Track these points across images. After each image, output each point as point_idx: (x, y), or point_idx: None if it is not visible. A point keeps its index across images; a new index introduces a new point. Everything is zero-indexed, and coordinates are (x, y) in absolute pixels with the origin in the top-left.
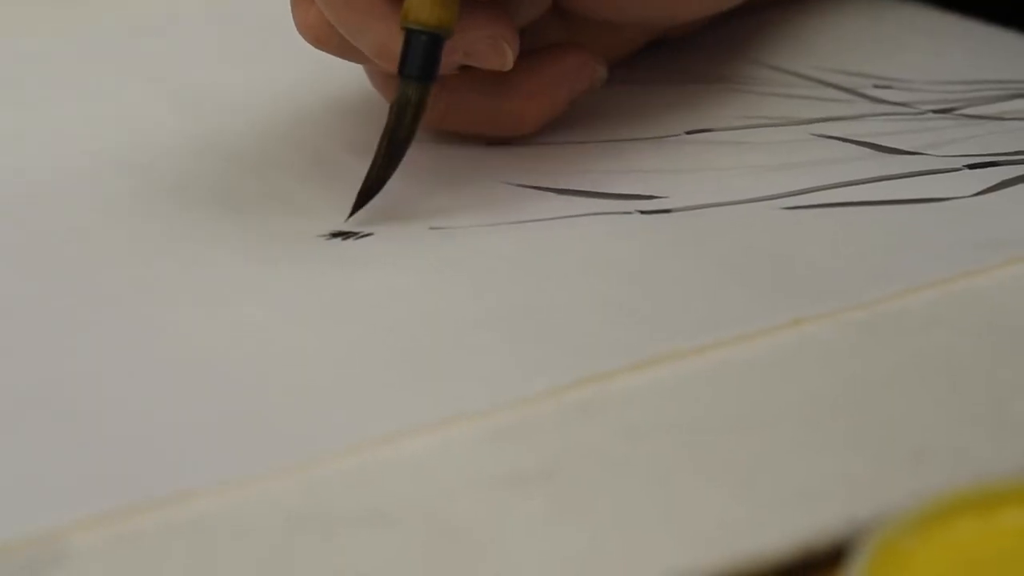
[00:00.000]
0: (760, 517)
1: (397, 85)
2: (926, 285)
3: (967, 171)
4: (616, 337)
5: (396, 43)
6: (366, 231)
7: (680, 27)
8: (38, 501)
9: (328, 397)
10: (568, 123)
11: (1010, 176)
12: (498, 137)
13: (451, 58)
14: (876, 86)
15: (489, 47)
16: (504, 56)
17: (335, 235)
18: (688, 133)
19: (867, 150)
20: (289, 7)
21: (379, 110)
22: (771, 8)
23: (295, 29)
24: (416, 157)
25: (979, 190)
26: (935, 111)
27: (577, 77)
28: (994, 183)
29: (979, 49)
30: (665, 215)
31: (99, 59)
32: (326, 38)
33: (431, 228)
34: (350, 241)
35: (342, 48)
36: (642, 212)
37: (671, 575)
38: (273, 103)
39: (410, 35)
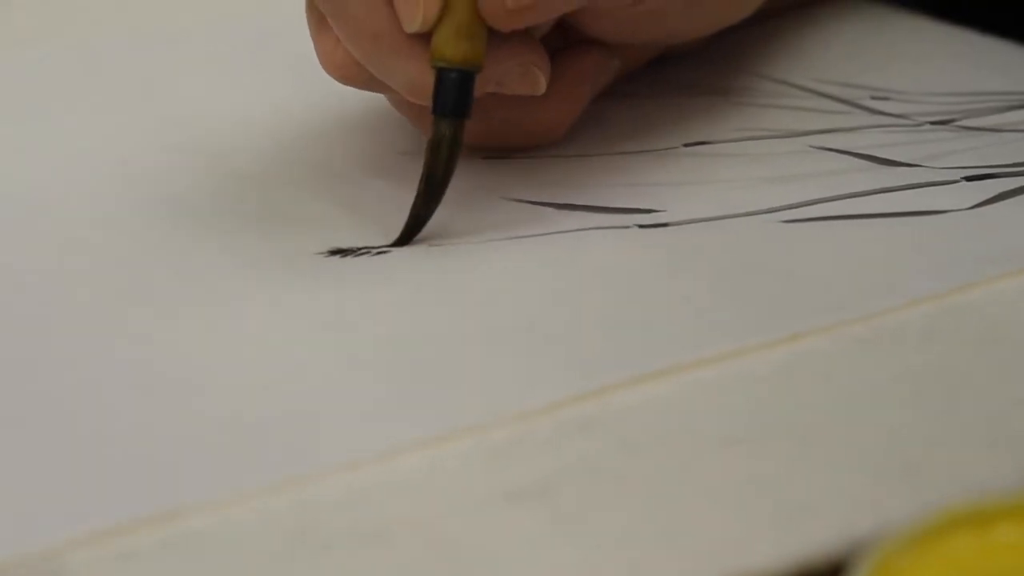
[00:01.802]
0: (757, 533)
1: (427, 115)
2: (924, 299)
3: (965, 183)
4: (613, 352)
5: (427, 79)
6: (365, 248)
7: (684, 45)
8: (34, 519)
9: (325, 413)
10: (567, 136)
11: (1008, 188)
12: (526, 147)
13: (484, 88)
14: (874, 97)
15: (521, 75)
16: (537, 82)
17: (334, 252)
18: (686, 146)
19: (865, 162)
20: (305, 30)
21: (383, 126)
22: (770, 20)
23: (317, 61)
24: (417, 171)
25: (977, 202)
26: (933, 123)
27: (596, 75)
28: (992, 195)
29: (977, 61)
30: (663, 229)
31: (100, 71)
32: (354, 75)
33: (430, 244)
34: (349, 258)
35: (370, 83)
36: (640, 226)
37: None
38: (274, 118)
39: (441, 73)
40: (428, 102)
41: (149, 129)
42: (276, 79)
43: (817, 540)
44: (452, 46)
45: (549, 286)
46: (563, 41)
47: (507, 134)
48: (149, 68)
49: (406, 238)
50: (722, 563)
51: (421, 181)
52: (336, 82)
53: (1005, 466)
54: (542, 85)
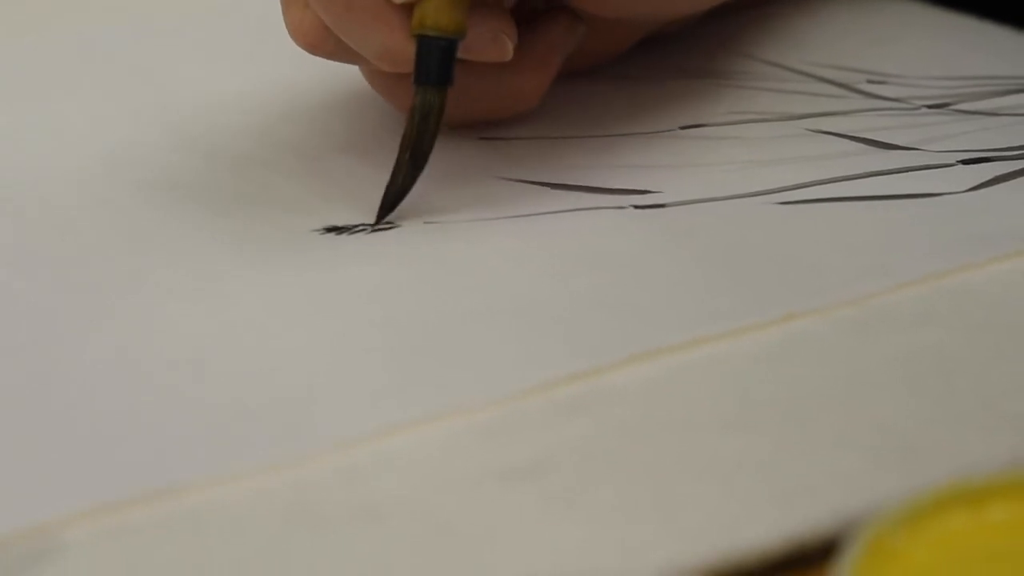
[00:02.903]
0: (750, 513)
1: (401, 86)
2: (918, 280)
3: (960, 166)
4: (608, 332)
5: (404, 48)
6: (360, 225)
7: (676, 23)
8: (30, 495)
9: (320, 392)
10: (562, 117)
11: (1003, 171)
12: (501, 118)
13: None
14: (870, 81)
15: (490, 42)
16: (504, 49)
17: (329, 230)
18: (682, 128)
19: (861, 145)
20: (280, 9)
21: (371, 107)
22: (766, 4)
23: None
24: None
25: (972, 185)
26: (929, 106)
27: (565, 41)
28: (987, 178)
29: (973, 44)
30: (659, 210)
31: (91, 58)
32: (321, 43)
33: (425, 223)
34: (344, 236)
35: (338, 52)
36: (636, 207)
37: (661, 570)
38: (266, 101)
39: (426, 42)
40: (403, 70)
41: (141, 114)
42: (269, 63)
43: (811, 519)
44: (442, 15)
45: (544, 266)
46: (529, 12)
47: (481, 106)
48: (140, 54)
49: (387, 209)
50: (716, 542)
51: (402, 151)
52: (327, 65)
53: (999, 447)
54: (509, 51)
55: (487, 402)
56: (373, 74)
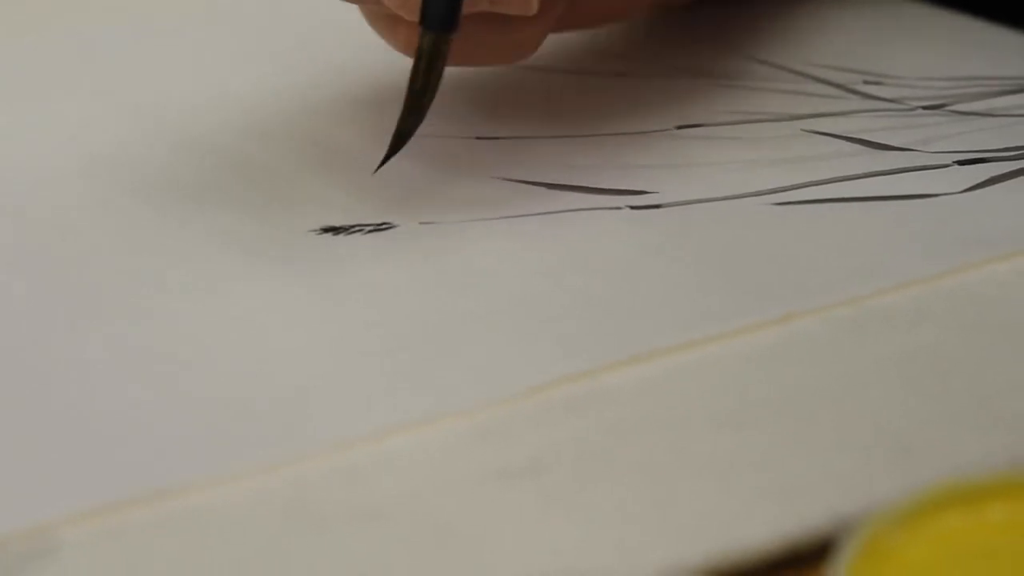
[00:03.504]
0: (747, 512)
1: (401, 28)
2: (915, 281)
3: (957, 167)
4: (605, 333)
5: None
6: (357, 226)
7: None
8: (28, 495)
9: (318, 392)
10: (559, 116)
11: (999, 172)
12: (498, 64)
13: (476, 6)
14: (866, 82)
15: None
16: (529, 3)
17: (326, 230)
18: (679, 128)
19: (857, 146)
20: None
21: (368, 107)
22: (763, 3)
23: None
24: (405, 151)
25: (968, 186)
26: (925, 107)
27: None
28: (983, 179)
29: (969, 45)
30: (655, 210)
31: (90, 57)
32: None
33: (421, 223)
34: (340, 236)
35: None
36: (632, 207)
37: (658, 570)
38: (265, 101)
39: None
40: (416, 16)
41: (139, 114)
42: (267, 63)
43: (807, 518)
44: None
45: (540, 266)
46: None
47: (479, 52)
48: (139, 54)
49: (390, 153)
50: (712, 541)
51: (410, 94)
52: (322, 66)
53: (995, 446)
54: (534, 5)
55: (485, 402)
56: (373, 14)
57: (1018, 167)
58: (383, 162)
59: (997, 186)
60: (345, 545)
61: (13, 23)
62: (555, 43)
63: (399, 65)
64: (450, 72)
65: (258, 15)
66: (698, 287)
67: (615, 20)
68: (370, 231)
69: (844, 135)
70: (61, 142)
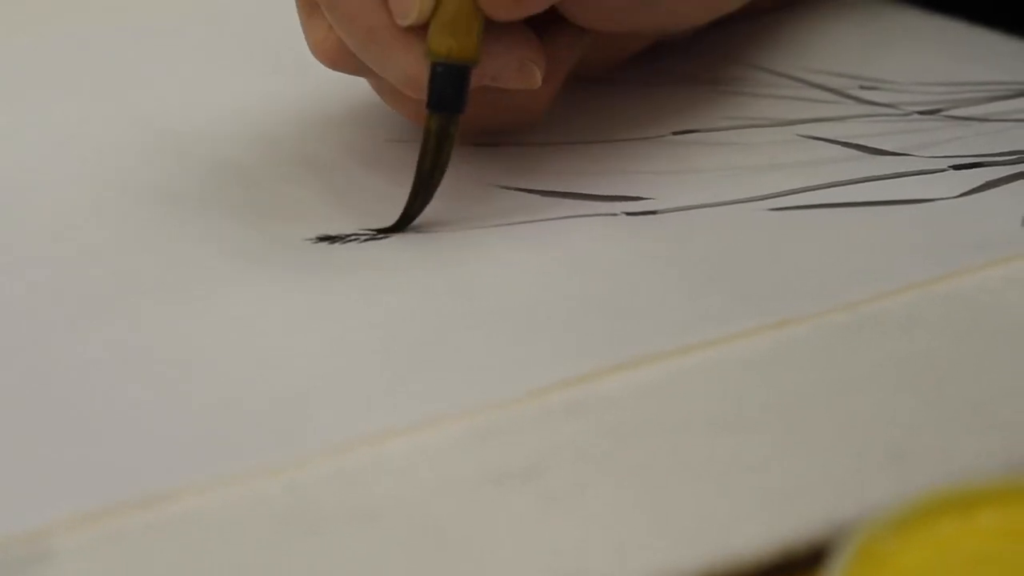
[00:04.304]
0: (743, 517)
1: (422, 108)
2: (910, 286)
3: (952, 172)
4: (601, 338)
5: (422, 72)
6: (353, 235)
7: (677, 34)
8: (23, 500)
9: (314, 397)
10: (555, 123)
11: (995, 177)
12: (505, 131)
13: (480, 82)
14: (862, 87)
15: (517, 71)
16: (533, 77)
17: (322, 238)
18: (674, 134)
19: (853, 151)
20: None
21: (367, 116)
22: (762, 13)
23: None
24: (402, 159)
25: (964, 191)
26: (920, 112)
27: (569, 55)
28: (978, 184)
29: (965, 51)
30: (651, 216)
31: (88, 60)
32: (345, 63)
33: (418, 231)
34: (337, 244)
35: (361, 70)
36: (628, 214)
37: (654, 574)
38: (261, 108)
39: (436, 68)
40: (423, 95)
41: (137, 118)
42: (266, 71)
43: (802, 524)
44: (446, 40)
45: (537, 273)
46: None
47: (487, 119)
48: (137, 58)
49: (397, 230)
50: (706, 547)
51: (420, 172)
52: (322, 73)
53: (989, 452)
54: (538, 79)
55: (482, 406)
56: (395, 96)
57: (1013, 172)
58: (391, 231)
59: (993, 191)
60: (343, 548)
61: (13, 23)
62: None
63: None
64: None
65: (257, 18)
66: (694, 292)
67: (613, 66)
68: (367, 239)
69: (840, 140)
70: (58, 146)
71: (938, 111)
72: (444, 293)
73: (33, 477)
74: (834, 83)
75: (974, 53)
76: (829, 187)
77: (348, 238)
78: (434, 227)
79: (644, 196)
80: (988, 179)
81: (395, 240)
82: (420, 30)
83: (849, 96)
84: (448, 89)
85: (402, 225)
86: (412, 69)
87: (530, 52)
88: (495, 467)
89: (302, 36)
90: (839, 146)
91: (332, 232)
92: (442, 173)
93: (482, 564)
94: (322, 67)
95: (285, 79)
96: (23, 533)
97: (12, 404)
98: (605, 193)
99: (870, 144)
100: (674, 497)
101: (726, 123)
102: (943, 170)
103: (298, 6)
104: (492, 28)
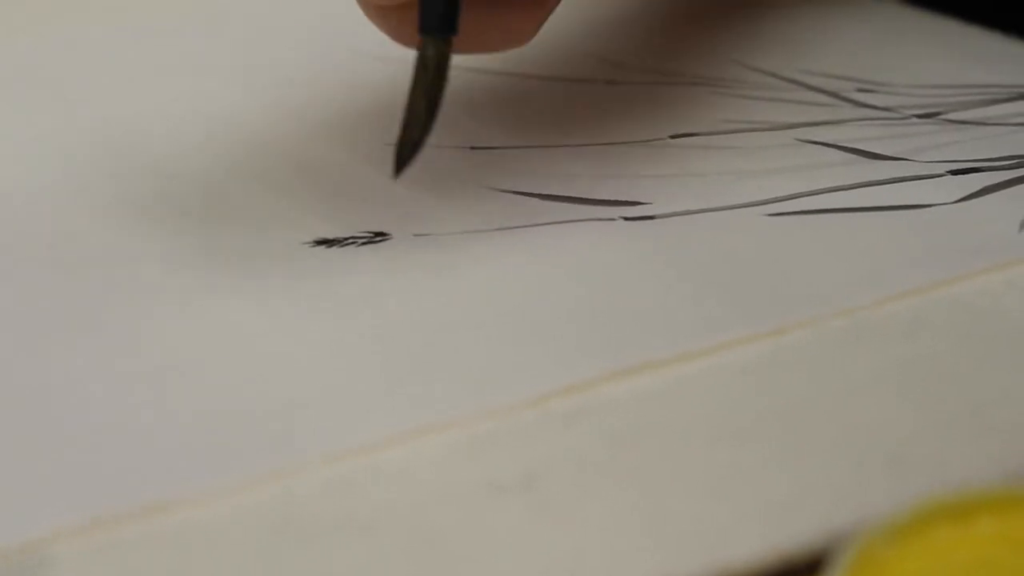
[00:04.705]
0: (740, 525)
1: (395, 14)
2: (908, 292)
3: (950, 177)
4: (598, 345)
5: None
6: (350, 238)
7: None
8: (19, 510)
9: (309, 404)
10: (552, 127)
11: (993, 182)
12: (492, 52)
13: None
14: (860, 90)
15: None
16: None
17: (319, 243)
18: (672, 137)
19: (851, 156)
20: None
21: (363, 120)
22: (755, 11)
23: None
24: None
25: (962, 196)
26: (919, 116)
27: None
28: (977, 189)
29: (963, 53)
30: (648, 221)
31: (82, 63)
32: None
33: (415, 235)
34: (334, 248)
35: None
36: (625, 219)
37: None
38: (258, 113)
39: None
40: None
41: (132, 122)
42: (262, 74)
43: (800, 532)
44: None
45: (534, 278)
46: None
47: (472, 40)
48: (135, 57)
49: (404, 163)
50: (705, 554)
51: (414, 102)
52: (322, 75)
53: (990, 458)
54: None
55: (478, 414)
56: (367, 4)
57: (1012, 176)
58: (397, 172)
59: (991, 196)
60: (337, 558)
61: (12, 24)
62: (548, 50)
63: (396, 78)
64: None
65: (256, 20)
66: (692, 298)
67: None
68: (364, 243)
69: (837, 144)
70: (53, 149)
71: (936, 115)
72: (440, 299)
73: (26, 488)
74: (832, 86)
75: (974, 56)
76: (827, 192)
77: (345, 241)
78: (430, 232)
79: (642, 200)
80: (986, 184)
81: (392, 243)
82: None
83: (847, 99)
84: (440, 7)
85: (402, 164)
86: None
87: None
88: (491, 475)
89: (301, 38)
90: (837, 150)
91: (330, 236)
92: (439, 102)
93: (479, 573)
94: (322, 69)
95: (282, 85)
96: (19, 543)
97: (4, 415)
98: (602, 197)
99: (868, 148)
100: (672, 505)
101: (724, 126)
102: (941, 175)
103: None
104: None
